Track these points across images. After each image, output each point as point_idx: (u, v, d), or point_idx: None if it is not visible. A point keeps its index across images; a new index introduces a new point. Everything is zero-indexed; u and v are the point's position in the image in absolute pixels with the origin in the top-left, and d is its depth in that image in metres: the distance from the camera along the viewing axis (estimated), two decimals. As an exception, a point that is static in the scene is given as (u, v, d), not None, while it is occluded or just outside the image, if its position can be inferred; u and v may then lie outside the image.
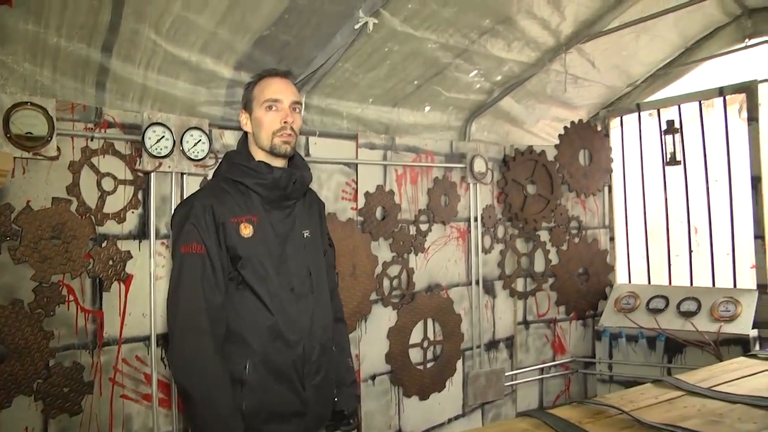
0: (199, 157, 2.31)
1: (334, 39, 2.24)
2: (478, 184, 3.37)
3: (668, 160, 3.46)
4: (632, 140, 3.73)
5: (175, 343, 1.40)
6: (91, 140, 2.11)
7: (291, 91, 1.54)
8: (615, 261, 3.84)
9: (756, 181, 3.16)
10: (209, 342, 1.38)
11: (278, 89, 1.52)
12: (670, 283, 3.53)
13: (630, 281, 3.76)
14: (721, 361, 2.19)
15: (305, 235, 1.58)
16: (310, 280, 1.55)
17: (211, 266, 1.41)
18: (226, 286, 1.45)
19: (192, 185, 2.31)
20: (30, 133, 1.95)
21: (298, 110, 1.55)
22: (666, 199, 3.57)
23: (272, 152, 1.51)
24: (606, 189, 3.84)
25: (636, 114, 3.67)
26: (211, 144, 2.34)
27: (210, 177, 2.05)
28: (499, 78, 3.07)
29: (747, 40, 3.26)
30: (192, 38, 2.09)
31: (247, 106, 1.57)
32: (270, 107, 1.50)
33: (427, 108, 3.11)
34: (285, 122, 1.50)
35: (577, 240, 3.72)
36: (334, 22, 2.16)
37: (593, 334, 3.64)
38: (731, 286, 3.29)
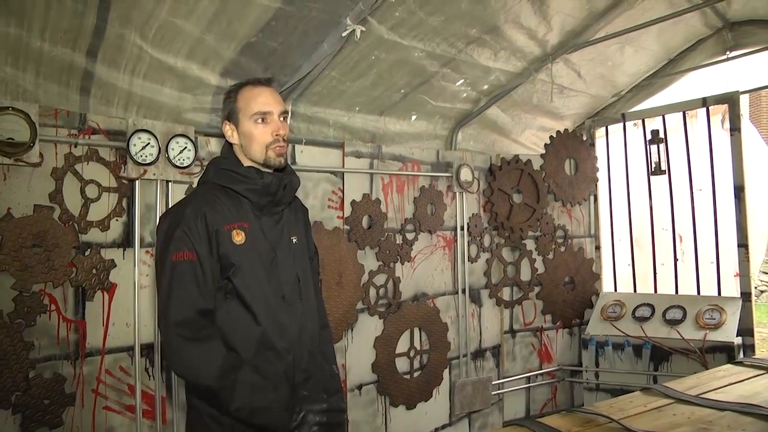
0: (185, 165, 2.29)
1: (321, 47, 2.24)
2: (464, 193, 3.37)
3: (653, 169, 3.49)
4: (617, 150, 3.74)
5: (174, 353, 1.37)
6: (75, 147, 2.09)
7: (278, 101, 1.53)
8: (601, 269, 3.85)
9: (739, 191, 3.19)
10: (214, 338, 1.37)
11: (267, 101, 1.50)
12: (655, 291, 3.54)
13: (616, 290, 3.76)
14: (706, 368, 2.20)
15: (293, 241, 1.57)
16: (299, 286, 1.54)
17: (201, 273, 1.39)
18: (214, 296, 1.43)
19: (177, 193, 2.29)
20: (11, 138, 1.92)
21: (285, 119, 1.54)
22: (651, 208, 3.58)
23: (266, 165, 1.50)
24: (592, 198, 3.86)
25: (621, 124, 3.68)
26: (196, 151, 2.32)
27: (195, 184, 2.05)
28: (485, 87, 3.09)
29: (728, 52, 3.33)
30: (178, 44, 2.08)
31: (231, 117, 1.53)
32: (260, 120, 1.49)
33: (414, 117, 3.11)
34: (277, 135, 1.49)
35: (563, 249, 3.73)
36: (322, 30, 2.16)
37: (580, 342, 3.66)
38: (716, 294, 3.31)
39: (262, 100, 1.50)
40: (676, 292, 3.45)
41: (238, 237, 1.44)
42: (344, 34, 2.15)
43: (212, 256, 1.41)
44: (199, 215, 1.41)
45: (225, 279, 1.44)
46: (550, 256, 3.69)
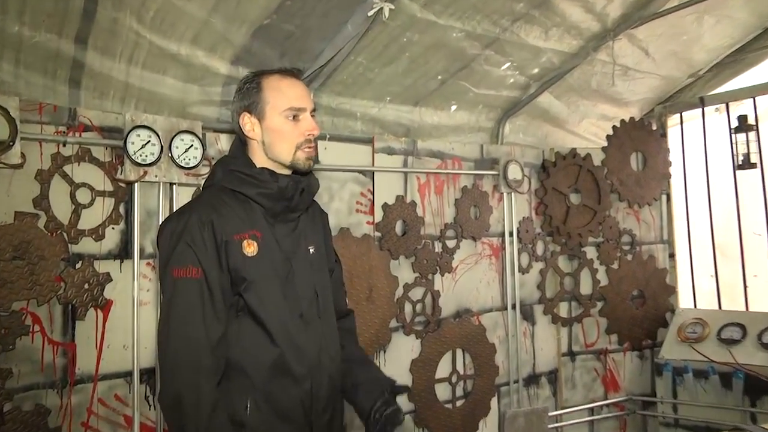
0: (191, 165, 2.19)
1: (345, 28, 2.16)
2: (513, 194, 3.22)
3: (740, 162, 3.23)
4: (695, 140, 3.50)
5: (168, 383, 1.30)
6: (64, 146, 2.00)
7: (310, 97, 1.48)
8: (676, 282, 3.60)
9: None
10: (209, 382, 1.30)
11: (302, 95, 1.44)
12: (747, 308, 3.25)
13: (695, 305, 3.49)
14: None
15: (311, 251, 1.50)
16: (317, 302, 1.47)
17: (209, 293, 1.32)
18: (226, 315, 1.35)
19: (183, 197, 2.20)
20: (-14, 137, 1.84)
21: (314, 116, 1.48)
22: (738, 209, 3.32)
23: (292, 167, 1.44)
24: (664, 198, 3.61)
25: (699, 109, 3.43)
26: (204, 150, 2.22)
27: (202, 187, 1.96)
28: (535, 71, 2.94)
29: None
30: (181, 28, 2.00)
31: (253, 108, 1.43)
32: (292, 116, 1.42)
33: (454, 107, 3.01)
34: (310, 134, 1.43)
35: (629, 257, 3.49)
36: (345, 9, 2.08)
37: (652, 368, 3.40)
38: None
39: (296, 93, 1.43)
40: (774, 309, 3.17)
41: (250, 248, 1.37)
42: (370, 14, 2.07)
43: (222, 270, 1.34)
44: (205, 224, 1.34)
45: (236, 295, 1.37)
46: (615, 266, 3.46)
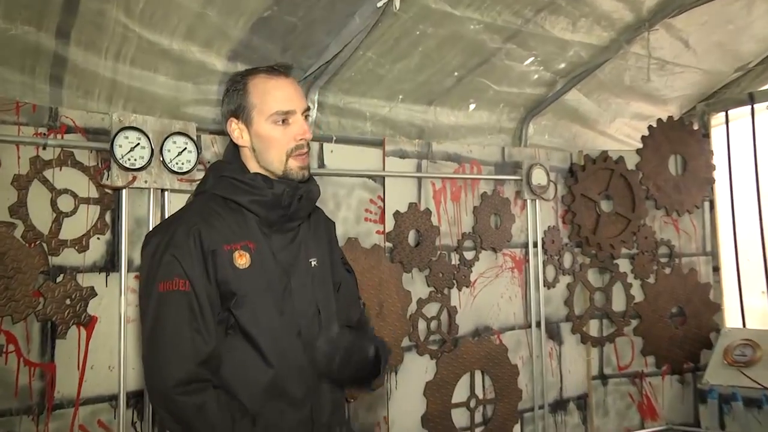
0: (185, 170, 2.13)
1: (352, 21, 2.09)
2: (537, 201, 3.15)
3: None
4: (743, 141, 3.38)
5: (163, 408, 1.27)
6: (44, 149, 1.93)
7: (301, 95, 1.42)
8: (722, 298, 3.47)
9: None
10: (209, 394, 1.27)
11: (289, 96, 1.39)
12: None
13: (744, 325, 3.35)
14: None
15: (312, 264, 1.46)
16: (319, 319, 1.43)
17: (198, 307, 1.29)
18: (216, 330, 1.32)
19: (176, 204, 2.12)
20: (-45, 140, 1.82)
21: (307, 117, 1.43)
22: None
23: (285, 177, 1.40)
24: (706, 205, 3.48)
25: (748, 107, 3.31)
26: (199, 153, 2.17)
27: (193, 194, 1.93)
28: (562, 66, 2.85)
29: None
30: (173, 21, 1.94)
31: (240, 113, 1.40)
32: (281, 121, 1.38)
33: (472, 106, 2.95)
34: (302, 139, 1.39)
35: (668, 270, 3.37)
36: (352, 0, 2.02)
37: (695, 394, 3.27)
38: None
39: (282, 95, 1.39)
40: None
41: (241, 259, 1.33)
42: (380, 4, 2.01)
43: (210, 283, 1.31)
44: (191, 234, 1.30)
45: (226, 311, 1.33)
46: (651, 280, 3.35)
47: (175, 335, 1.26)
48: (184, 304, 1.27)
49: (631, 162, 3.29)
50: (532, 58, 2.69)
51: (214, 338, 1.30)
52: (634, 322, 3.29)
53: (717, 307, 3.40)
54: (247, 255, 1.33)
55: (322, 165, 2.48)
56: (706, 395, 2.94)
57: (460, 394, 2.83)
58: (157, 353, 1.26)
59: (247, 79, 1.39)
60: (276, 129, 1.37)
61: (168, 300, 1.27)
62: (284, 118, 1.37)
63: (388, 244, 2.66)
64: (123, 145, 2.00)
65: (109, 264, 2.03)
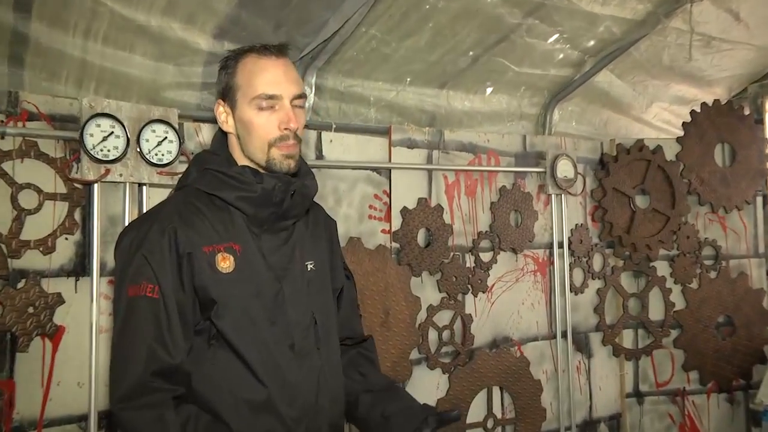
0: (165, 162, 2.07)
1: None
2: (563, 196, 3.01)
3: None
4: None
5: (120, 421, 1.23)
6: (2, 138, 1.86)
7: (292, 79, 1.36)
8: None
9: None
10: (167, 408, 1.22)
11: (275, 79, 1.33)
12: None
13: None
14: None
15: (309, 267, 1.41)
16: (316, 330, 1.38)
17: (165, 316, 1.25)
18: (186, 343, 1.27)
19: (155, 200, 2.07)
20: None
21: (301, 105, 1.38)
22: None
23: (269, 169, 1.36)
24: (759, 200, 3.32)
25: None
26: (182, 143, 2.11)
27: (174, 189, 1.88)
28: (591, 44, 2.75)
29: None
30: None
31: (226, 95, 1.37)
32: (264, 106, 1.33)
33: (489, 89, 2.86)
34: (287, 128, 1.33)
35: (713, 274, 3.23)
36: None
37: (747, 415, 3.14)
38: None
39: (268, 77, 1.34)
40: None
41: (224, 263, 1.30)
42: None
43: (184, 290, 1.27)
44: (166, 233, 1.27)
45: (206, 320, 1.29)
46: (694, 286, 3.19)
47: (132, 346, 1.23)
48: (150, 312, 1.24)
49: (671, 152, 3.14)
50: (557, 35, 2.61)
51: (183, 351, 1.26)
52: (675, 333, 3.15)
53: (771, 317, 3.18)
54: (231, 258, 1.29)
55: (320, 156, 2.43)
56: (760, 417, 2.88)
57: (475, 413, 2.74)
58: (114, 364, 1.24)
59: (238, 58, 1.36)
60: (260, 115, 1.32)
61: (134, 306, 1.24)
62: (270, 103, 1.33)
63: (395, 245, 2.57)
64: (95, 134, 1.93)
65: (79, 267, 1.97)
